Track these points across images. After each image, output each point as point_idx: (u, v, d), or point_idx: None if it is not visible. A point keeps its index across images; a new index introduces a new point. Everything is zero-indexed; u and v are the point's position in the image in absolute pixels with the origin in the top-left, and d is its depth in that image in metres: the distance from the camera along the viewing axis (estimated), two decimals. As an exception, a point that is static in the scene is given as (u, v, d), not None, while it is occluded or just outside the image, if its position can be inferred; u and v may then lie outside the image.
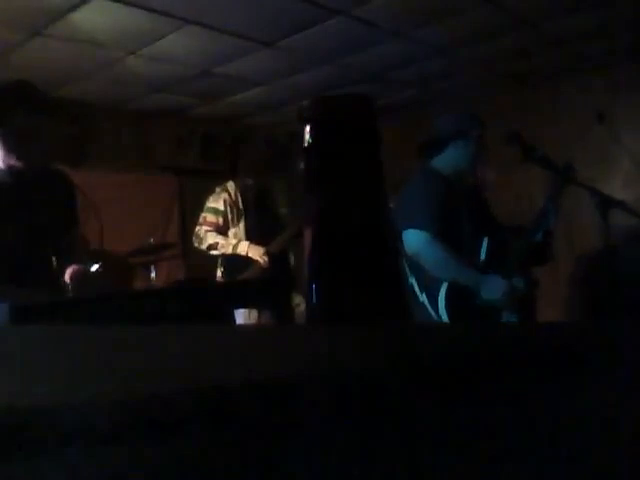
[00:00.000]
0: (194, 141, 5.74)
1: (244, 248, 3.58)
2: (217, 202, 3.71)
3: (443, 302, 2.42)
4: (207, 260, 3.88)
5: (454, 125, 2.61)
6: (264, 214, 3.78)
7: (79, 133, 4.96)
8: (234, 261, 3.60)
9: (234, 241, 3.61)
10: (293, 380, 0.22)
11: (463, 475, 0.24)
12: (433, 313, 2.43)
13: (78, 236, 2.35)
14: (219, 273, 3.72)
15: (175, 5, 3.43)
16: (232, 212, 3.70)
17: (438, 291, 2.43)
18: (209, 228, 3.65)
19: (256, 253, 3.56)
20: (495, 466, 0.26)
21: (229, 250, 3.59)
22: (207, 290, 1.72)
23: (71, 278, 2.11)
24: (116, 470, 0.18)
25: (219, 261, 3.72)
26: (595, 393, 0.30)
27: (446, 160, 2.58)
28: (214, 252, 3.64)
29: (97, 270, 2.24)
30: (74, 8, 3.38)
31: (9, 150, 2.10)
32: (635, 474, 0.29)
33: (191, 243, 3.81)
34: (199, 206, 3.84)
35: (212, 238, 3.61)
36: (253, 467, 0.20)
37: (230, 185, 3.76)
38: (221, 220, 3.67)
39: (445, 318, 2.40)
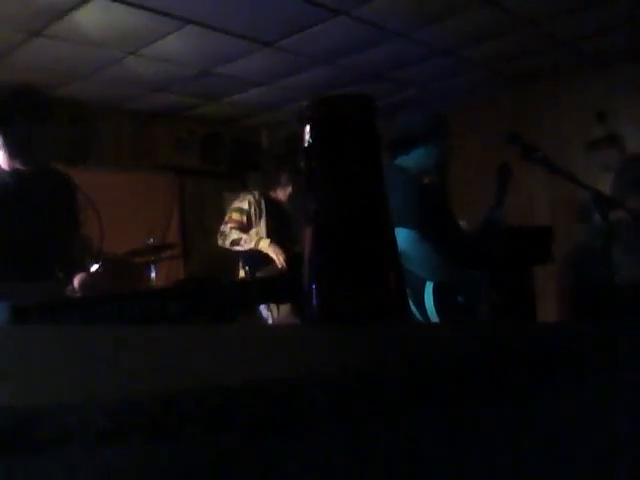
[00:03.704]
0: (194, 141, 5.74)
1: (265, 245, 3.77)
2: (242, 202, 3.97)
3: (431, 300, 2.43)
4: (207, 260, 3.89)
5: (423, 127, 2.57)
6: (283, 215, 4.02)
7: (79, 133, 4.96)
8: (257, 260, 3.77)
9: (256, 237, 3.83)
10: (293, 380, 0.22)
11: (463, 475, 0.24)
12: (416, 312, 2.43)
13: (80, 237, 2.36)
14: (242, 273, 3.90)
15: (175, 5, 3.44)
16: (256, 211, 3.94)
17: (422, 290, 2.44)
18: (233, 225, 3.88)
19: (274, 252, 3.74)
20: (495, 466, 0.26)
21: (252, 245, 3.79)
22: (207, 290, 1.71)
23: (81, 286, 2.11)
24: (116, 470, 0.18)
25: (240, 261, 3.92)
26: (595, 393, 0.30)
27: (413, 160, 2.55)
28: (237, 248, 3.84)
29: (97, 270, 2.24)
30: (74, 8, 3.38)
31: (13, 154, 2.10)
32: (635, 474, 0.29)
33: (191, 243, 3.86)
34: (199, 206, 3.88)
35: (236, 234, 3.83)
36: (253, 467, 0.20)
37: (255, 192, 4.06)
38: (245, 218, 3.91)
39: (433, 315, 2.41)
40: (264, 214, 3.95)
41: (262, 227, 3.92)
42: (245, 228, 3.89)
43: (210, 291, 1.75)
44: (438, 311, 2.41)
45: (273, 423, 0.20)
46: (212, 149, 5.81)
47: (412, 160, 2.55)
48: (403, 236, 2.32)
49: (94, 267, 2.27)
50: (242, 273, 3.90)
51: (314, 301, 0.48)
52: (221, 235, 3.89)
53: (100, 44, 3.87)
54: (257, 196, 4.01)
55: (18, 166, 2.12)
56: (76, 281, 2.13)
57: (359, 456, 0.22)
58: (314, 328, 0.47)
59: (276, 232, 3.89)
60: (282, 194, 4.03)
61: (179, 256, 4.91)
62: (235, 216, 3.93)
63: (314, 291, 0.48)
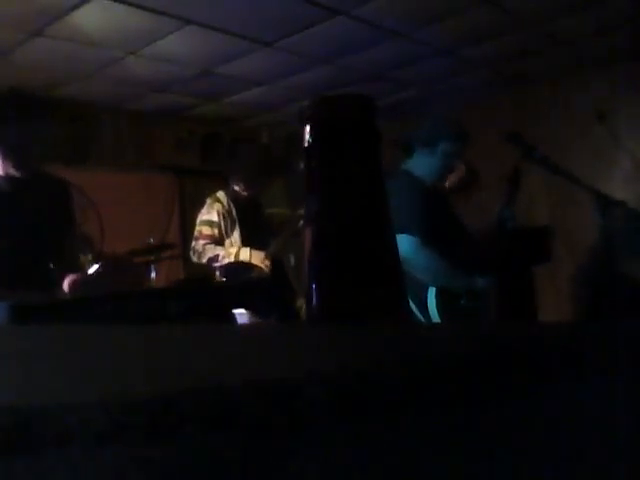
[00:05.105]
0: (194, 141, 5.74)
1: (246, 255, 3.54)
2: (210, 214, 3.66)
3: (434, 303, 2.44)
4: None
5: (424, 132, 2.60)
6: (256, 221, 3.76)
7: (79, 133, 4.96)
8: (234, 270, 3.56)
9: (234, 249, 3.58)
10: (293, 380, 0.22)
11: (463, 475, 0.24)
12: (420, 316, 2.45)
13: (76, 238, 2.36)
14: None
15: (175, 5, 3.44)
16: (226, 222, 3.65)
17: (425, 293, 2.45)
18: (206, 241, 3.61)
19: (258, 259, 3.54)
20: (495, 466, 0.26)
21: (232, 259, 3.54)
22: (207, 290, 1.71)
23: (70, 288, 2.11)
24: (116, 470, 0.18)
25: (217, 273, 3.67)
26: (595, 393, 0.30)
27: (414, 165, 2.58)
28: (216, 264, 3.59)
29: (97, 271, 2.24)
30: (74, 8, 3.38)
31: (5, 158, 2.10)
32: (635, 474, 0.29)
33: (191, 243, 3.79)
34: (199, 206, 3.83)
35: (212, 251, 3.58)
36: (253, 467, 0.20)
37: (221, 194, 3.72)
38: (216, 231, 3.62)
39: (436, 319, 2.42)
40: (237, 223, 3.65)
41: (236, 237, 3.63)
42: (218, 241, 3.61)
43: (210, 291, 1.75)
44: (441, 315, 2.43)
45: (273, 423, 0.20)
46: (212, 149, 5.81)
47: (413, 165, 2.57)
48: (406, 243, 2.33)
49: (94, 267, 2.27)
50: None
51: (314, 301, 0.48)
52: (194, 253, 3.62)
53: (100, 44, 3.87)
54: (226, 203, 3.67)
55: (11, 170, 2.12)
56: (66, 283, 2.13)
57: (359, 456, 0.22)
58: (314, 328, 0.47)
59: (252, 237, 3.62)
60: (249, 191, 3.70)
61: (179, 256, 4.91)
62: (206, 230, 3.62)
63: (314, 291, 0.48)
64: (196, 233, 3.67)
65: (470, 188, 3.00)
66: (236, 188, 3.73)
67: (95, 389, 0.22)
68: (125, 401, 0.19)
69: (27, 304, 1.26)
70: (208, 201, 3.73)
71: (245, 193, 3.72)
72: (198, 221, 3.70)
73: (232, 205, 3.68)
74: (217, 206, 3.66)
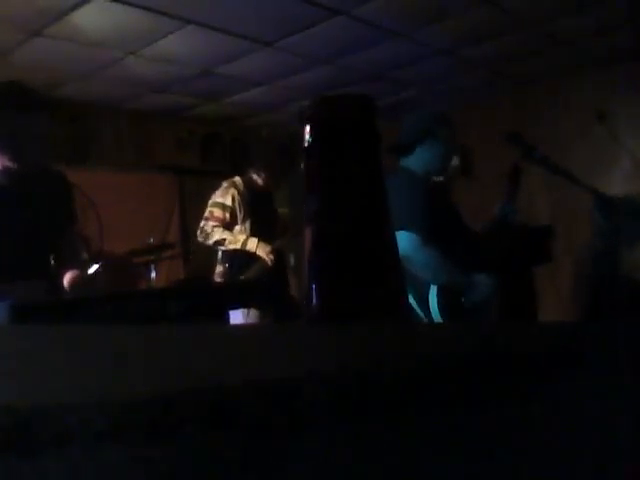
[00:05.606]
0: (194, 141, 5.74)
1: (253, 245, 3.54)
2: (225, 197, 3.66)
3: (435, 301, 2.43)
4: (207, 260, 3.88)
5: (421, 126, 2.59)
6: (267, 213, 3.77)
7: (79, 133, 4.96)
8: (239, 258, 3.57)
9: (242, 237, 3.57)
10: (293, 380, 0.22)
11: (463, 475, 0.24)
12: (421, 314, 2.45)
13: (76, 235, 2.35)
14: (220, 269, 3.68)
15: (175, 5, 3.44)
16: (240, 209, 3.65)
17: (427, 291, 2.45)
18: (216, 223, 3.61)
19: (263, 251, 3.54)
20: (495, 466, 0.26)
21: (238, 246, 3.55)
22: (207, 290, 1.71)
23: (70, 284, 2.11)
24: (116, 470, 0.18)
25: (219, 257, 3.70)
26: (595, 393, 0.30)
27: (416, 161, 2.57)
28: (221, 248, 3.61)
29: (96, 271, 2.24)
30: (74, 8, 3.38)
31: (1, 151, 2.10)
32: (635, 474, 0.29)
33: (191, 243, 3.81)
34: (199, 206, 3.83)
35: (219, 234, 3.57)
36: (253, 467, 0.20)
37: (238, 181, 3.72)
38: (228, 216, 3.62)
39: (437, 317, 2.41)
40: (250, 210, 3.64)
41: (247, 225, 3.63)
42: (227, 225, 3.61)
43: (210, 291, 1.75)
44: (442, 313, 2.42)
45: (273, 423, 0.20)
46: (212, 149, 5.81)
47: (415, 161, 2.56)
48: (407, 240, 2.33)
49: (94, 268, 2.27)
50: (219, 268, 3.67)
51: (314, 301, 0.48)
52: (202, 233, 3.61)
53: (100, 44, 3.87)
54: (242, 188, 3.67)
55: (9, 164, 2.11)
56: (66, 279, 2.13)
57: (359, 456, 0.22)
58: (314, 328, 0.47)
59: (261, 228, 3.63)
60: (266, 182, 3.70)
61: (179, 256, 4.91)
62: (217, 212, 3.61)
63: (314, 291, 0.48)
64: (207, 214, 3.66)
65: (470, 171, 2.96)
66: (254, 177, 3.72)
67: (95, 389, 0.22)
68: (125, 401, 0.19)
69: (27, 304, 1.26)
70: (224, 184, 3.72)
71: (262, 183, 3.72)
72: (210, 202, 3.70)
73: (248, 193, 3.68)
74: (233, 191, 3.66)
